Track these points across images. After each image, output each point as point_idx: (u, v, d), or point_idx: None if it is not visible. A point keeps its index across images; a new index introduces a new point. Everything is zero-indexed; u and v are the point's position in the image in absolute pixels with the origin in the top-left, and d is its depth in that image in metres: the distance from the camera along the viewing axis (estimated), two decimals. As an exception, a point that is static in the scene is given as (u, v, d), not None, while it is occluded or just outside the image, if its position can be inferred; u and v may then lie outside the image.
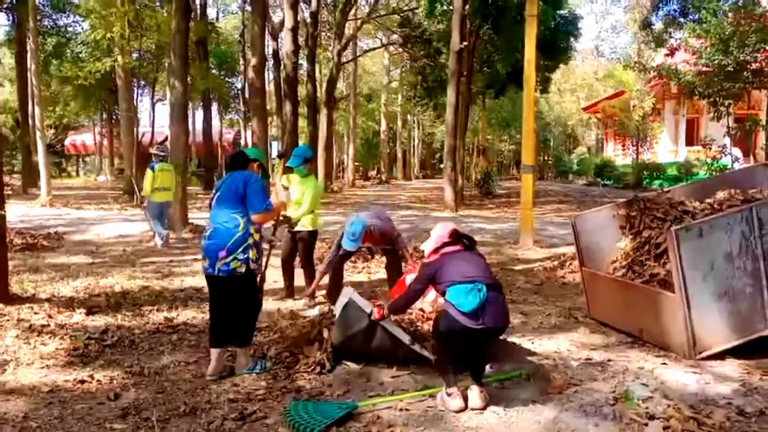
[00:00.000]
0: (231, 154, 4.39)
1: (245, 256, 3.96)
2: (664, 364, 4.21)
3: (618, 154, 31.92)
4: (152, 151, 10.23)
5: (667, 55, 17.01)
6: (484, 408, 3.49)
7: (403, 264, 6.19)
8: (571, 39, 22.55)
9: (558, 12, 20.08)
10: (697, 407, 3.46)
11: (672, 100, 26.12)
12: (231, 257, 3.92)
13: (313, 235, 6.30)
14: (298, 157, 6.16)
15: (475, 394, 3.53)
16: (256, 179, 4.16)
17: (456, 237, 3.85)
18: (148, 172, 9.66)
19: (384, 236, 5.86)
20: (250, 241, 4.00)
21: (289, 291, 6.42)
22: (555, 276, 7.56)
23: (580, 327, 5.21)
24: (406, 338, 4.02)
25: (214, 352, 4.09)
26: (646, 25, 19.78)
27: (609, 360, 4.32)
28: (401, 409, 3.51)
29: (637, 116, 26.47)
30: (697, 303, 4.20)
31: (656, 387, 3.75)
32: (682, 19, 16.90)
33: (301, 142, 26.19)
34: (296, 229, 6.13)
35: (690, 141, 25.57)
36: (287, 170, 6.36)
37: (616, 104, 28.67)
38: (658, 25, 19.04)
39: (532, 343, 4.76)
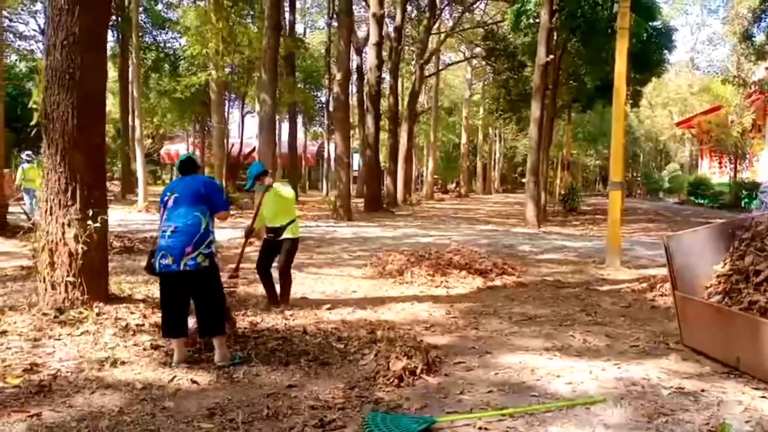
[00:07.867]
0: (183, 159, 4.73)
1: (209, 250, 4.40)
2: (764, 397, 3.93)
3: (714, 172, 30.30)
4: (23, 156, 14.54)
5: (769, 68, 16.02)
6: None
7: None
8: (665, 51, 21.62)
9: (651, 24, 19.33)
10: (802, 447, 3.21)
11: (775, 116, 24.52)
12: (196, 252, 4.31)
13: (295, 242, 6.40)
14: (249, 178, 6.39)
15: None
16: (213, 182, 4.78)
17: None
18: (20, 169, 13.81)
19: None
20: (212, 237, 4.48)
21: (273, 298, 6.44)
22: (644, 299, 7.23)
23: (671, 353, 4.95)
24: None
25: (177, 342, 4.42)
26: (746, 37, 18.69)
27: (702, 390, 4.08)
28: (480, 428, 3.46)
29: (736, 132, 25.04)
30: (803, 334, 3.91)
31: (756, 421, 3.51)
32: (787, 30, 15.87)
33: (381, 155, 26.54)
34: (282, 237, 6.27)
35: (795, 159, 23.86)
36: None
37: (712, 119, 27.27)
38: (759, 38, 17.96)
39: (619, 367, 4.57)
